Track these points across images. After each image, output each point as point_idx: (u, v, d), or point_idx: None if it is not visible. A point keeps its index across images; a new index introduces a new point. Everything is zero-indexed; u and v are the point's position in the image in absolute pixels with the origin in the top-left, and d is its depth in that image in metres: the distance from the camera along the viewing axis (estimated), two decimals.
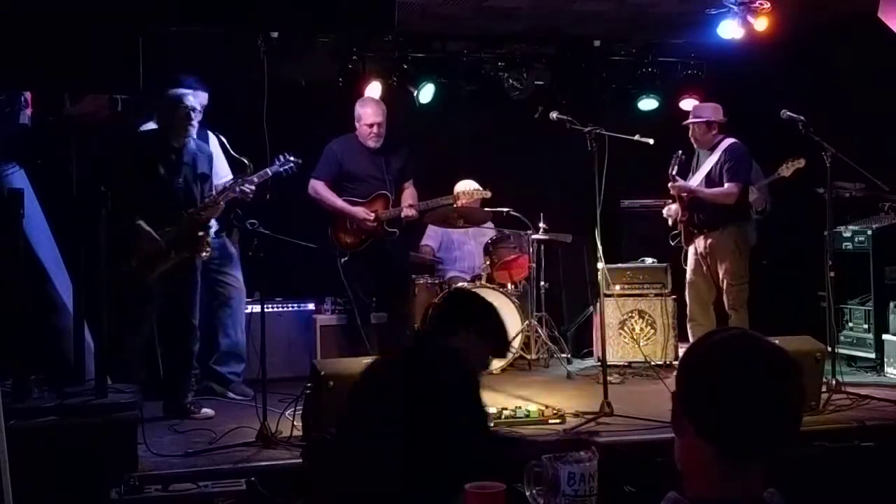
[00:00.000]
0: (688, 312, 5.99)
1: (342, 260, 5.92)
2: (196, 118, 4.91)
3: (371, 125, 5.92)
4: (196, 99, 4.98)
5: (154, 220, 4.74)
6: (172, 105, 4.86)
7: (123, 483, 3.52)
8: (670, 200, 6.03)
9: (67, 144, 4.48)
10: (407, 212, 5.97)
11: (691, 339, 5.78)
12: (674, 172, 5.80)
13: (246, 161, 5.02)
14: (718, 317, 5.89)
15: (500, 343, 3.04)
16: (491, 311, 3.02)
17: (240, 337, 5.51)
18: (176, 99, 4.86)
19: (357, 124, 6.01)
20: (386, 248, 6.00)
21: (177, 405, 4.82)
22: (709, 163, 5.83)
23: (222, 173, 5.34)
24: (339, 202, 5.93)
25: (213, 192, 4.99)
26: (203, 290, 5.38)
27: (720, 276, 5.78)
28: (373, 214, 5.90)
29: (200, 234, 4.85)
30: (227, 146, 5.14)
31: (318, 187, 5.95)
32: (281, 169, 5.26)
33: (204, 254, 4.88)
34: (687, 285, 5.98)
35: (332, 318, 6.34)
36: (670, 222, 6.02)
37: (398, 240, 6.09)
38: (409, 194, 6.12)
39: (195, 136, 4.99)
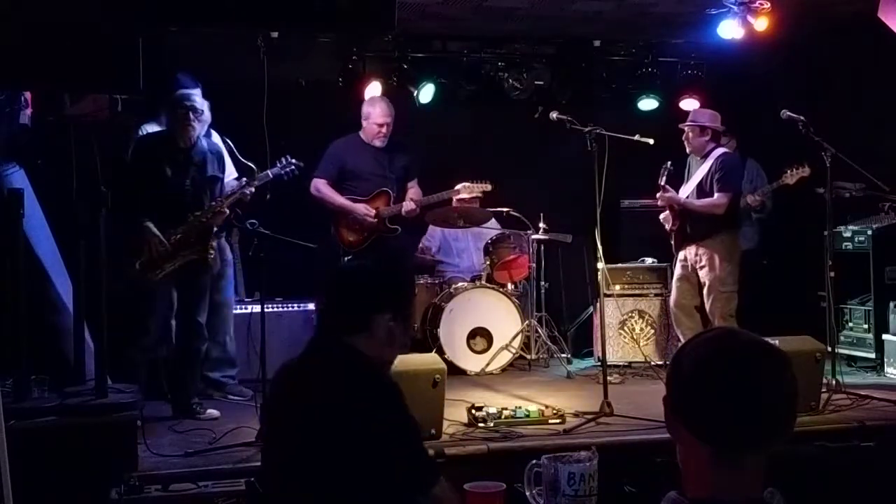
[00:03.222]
0: (672, 319, 5.95)
1: (345, 259, 5.92)
2: (197, 118, 4.87)
3: (381, 125, 5.96)
4: (200, 99, 4.94)
5: (162, 221, 4.75)
6: (172, 105, 4.87)
7: (123, 483, 3.53)
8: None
9: (67, 144, 4.48)
10: (407, 206, 5.97)
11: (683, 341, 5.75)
12: (662, 182, 5.78)
13: (253, 166, 5.03)
14: (705, 324, 5.84)
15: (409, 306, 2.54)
16: (402, 276, 2.56)
17: (229, 343, 5.50)
18: (177, 99, 4.86)
19: (364, 122, 6.02)
20: (389, 246, 5.99)
21: (183, 405, 4.81)
22: (700, 172, 5.81)
23: (228, 173, 5.34)
24: (340, 199, 5.94)
25: (222, 197, 4.96)
26: None
27: (708, 283, 5.70)
28: (373, 210, 5.91)
29: (206, 237, 4.83)
30: (235, 151, 5.17)
31: (319, 185, 5.97)
32: (282, 171, 5.26)
33: (209, 257, 4.86)
34: (673, 289, 5.93)
35: None
36: (667, 227, 5.98)
37: (401, 237, 6.08)
38: (413, 193, 6.13)
39: (202, 136, 4.95)
